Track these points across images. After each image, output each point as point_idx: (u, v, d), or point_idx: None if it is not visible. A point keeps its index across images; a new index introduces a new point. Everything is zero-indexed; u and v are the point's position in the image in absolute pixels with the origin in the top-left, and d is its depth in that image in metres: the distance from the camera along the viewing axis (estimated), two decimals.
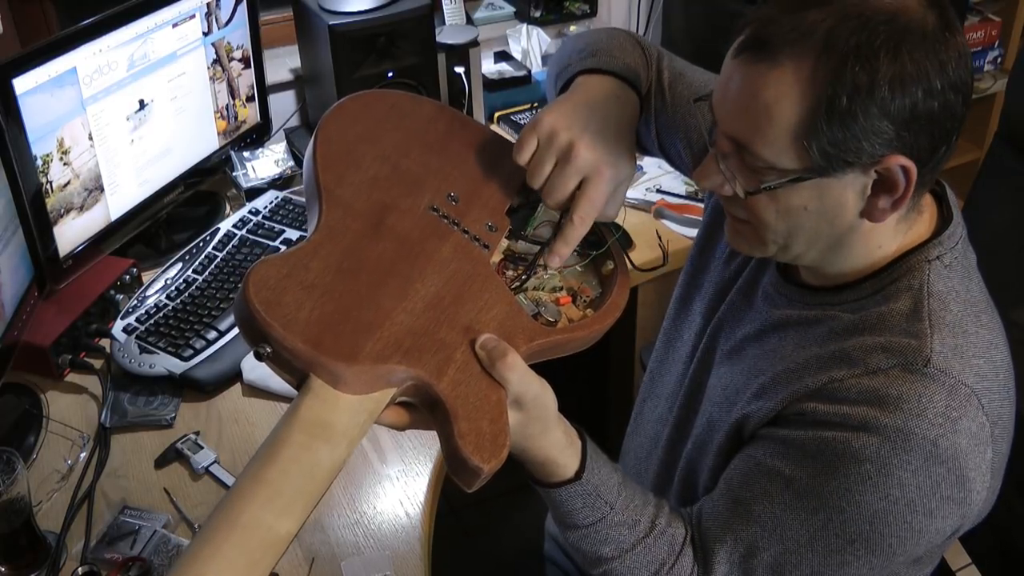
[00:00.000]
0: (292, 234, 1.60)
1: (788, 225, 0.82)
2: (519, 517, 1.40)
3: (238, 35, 1.72)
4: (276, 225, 1.62)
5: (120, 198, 1.53)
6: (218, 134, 1.75)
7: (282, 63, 2.04)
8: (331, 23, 1.72)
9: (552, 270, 0.92)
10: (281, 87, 2.03)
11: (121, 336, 1.38)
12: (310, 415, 0.71)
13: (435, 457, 1.24)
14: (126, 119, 1.50)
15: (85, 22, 1.38)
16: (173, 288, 1.47)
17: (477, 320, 0.81)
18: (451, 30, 1.99)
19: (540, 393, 0.80)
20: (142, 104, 1.53)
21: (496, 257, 0.90)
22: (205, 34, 1.63)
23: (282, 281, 0.75)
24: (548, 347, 0.84)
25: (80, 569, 1.06)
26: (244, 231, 1.61)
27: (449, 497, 1.40)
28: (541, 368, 0.82)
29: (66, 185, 1.40)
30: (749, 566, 0.87)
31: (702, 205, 1.36)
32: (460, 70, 1.93)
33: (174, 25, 1.55)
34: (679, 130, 1.06)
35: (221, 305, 1.44)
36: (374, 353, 0.74)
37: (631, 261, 0.96)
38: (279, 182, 1.78)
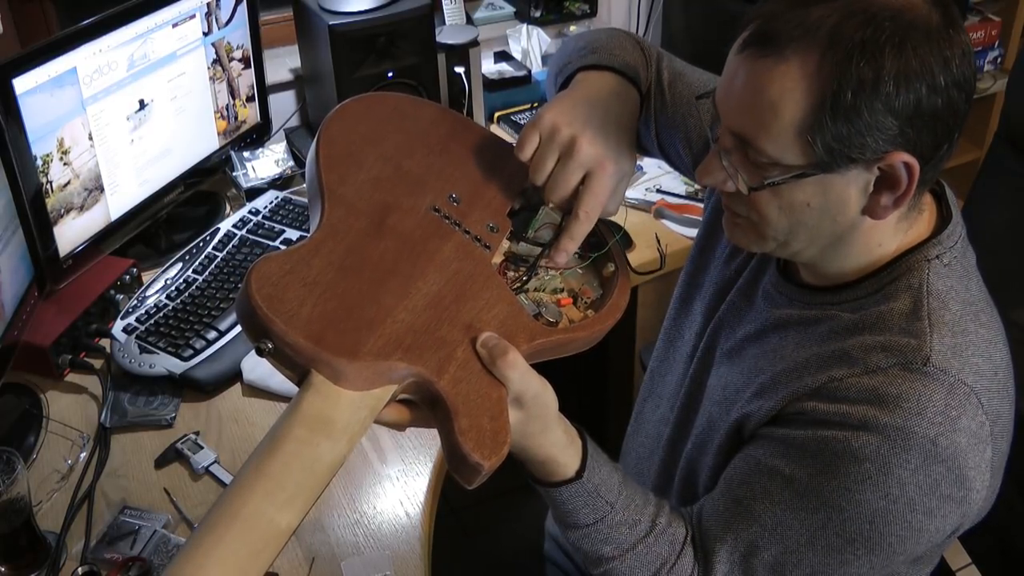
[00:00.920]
0: (292, 234, 1.60)
1: (790, 221, 0.82)
2: (519, 517, 1.40)
3: (238, 35, 1.72)
4: (276, 225, 1.62)
5: (120, 198, 1.53)
6: (218, 134, 1.75)
7: (282, 63, 2.04)
8: (331, 23, 1.72)
9: (555, 270, 0.92)
10: (281, 87, 2.03)
11: (121, 336, 1.38)
12: (311, 410, 0.71)
13: (435, 457, 1.24)
14: (126, 119, 1.50)
15: (85, 22, 1.38)
16: (173, 288, 1.47)
17: (478, 319, 0.81)
18: (451, 30, 1.99)
19: (540, 392, 0.80)
20: (142, 104, 1.53)
21: (497, 259, 0.91)
22: (205, 34, 1.63)
23: (284, 278, 0.75)
24: (549, 347, 0.84)
25: (80, 569, 1.05)
26: (244, 231, 1.61)
27: (449, 497, 1.40)
28: (541, 368, 0.82)
29: (66, 185, 1.40)
30: (749, 565, 0.87)
31: (702, 205, 1.36)
32: (460, 70, 1.93)
33: (174, 25, 1.55)
34: (679, 129, 1.06)
35: (221, 305, 1.44)
36: (375, 350, 0.74)
37: (629, 264, 0.96)
38: (279, 182, 1.78)
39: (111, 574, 1.07)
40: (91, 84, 1.40)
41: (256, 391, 1.34)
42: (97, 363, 1.38)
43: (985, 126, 2.69)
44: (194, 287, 1.47)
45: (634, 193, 1.77)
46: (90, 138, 1.43)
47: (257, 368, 1.33)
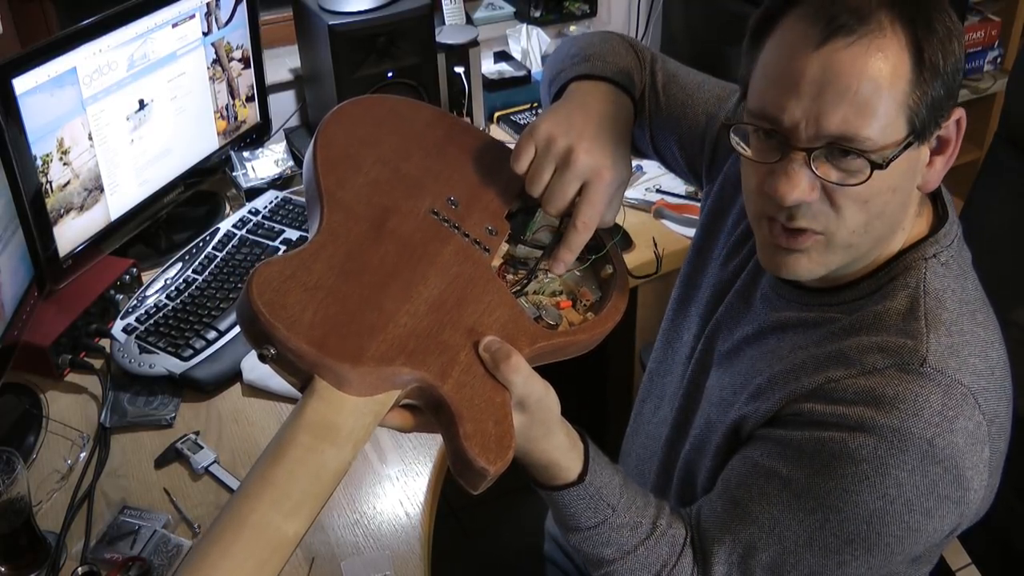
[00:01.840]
0: (292, 234, 1.60)
1: (868, 215, 0.79)
2: (519, 518, 1.40)
3: (238, 35, 1.72)
4: (276, 225, 1.62)
5: (120, 198, 1.53)
6: (218, 134, 1.75)
7: (282, 63, 2.04)
8: (331, 23, 1.72)
9: (554, 275, 0.92)
10: (281, 87, 2.03)
11: (121, 336, 1.38)
12: (315, 417, 0.71)
13: (435, 457, 1.24)
14: (126, 119, 1.50)
15: (85, 22, 1.38)
16: (173, 288, 1.47)
17: (480, 323, 0.81)
18: (451, 30, 1.99)
19: (544, 396, 0.80)
20: (142, 104, 1.53)
21: (496, 261, 0.90)
22: (205, 34, 1.63)
23: (285, 283, 0.74)
24: (550, 350, 0.84)
25: (80, 569, 1.06)
26: (244, 231, 1.61)
27: (449, 498, 1.40)
28: (540, 369, 0.82)
29: (66, 185, 1.40)
30: (747, 566, 0.87)
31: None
32: (460, 70, 1.93)
33: (174, 25, 1.55)
34: (673, 131, 1.06)
35: (221, 305, 1.44)
36: (378, 355, 0.74)
37: (626, 267, 0.96)
38: (279, 182, 1.78)
39: (111, 574, 1.07)
40: (91, 84, 1.40)
41: (256, 391, 1.34)
42: (97, 363, 1.38)
43: (985, 126, 2.69)
44: (194, 287, 1.48)
45: (633, 193, 1.77)
46: (90, 138, 1.43)
47: (257, 368, 1.33)
